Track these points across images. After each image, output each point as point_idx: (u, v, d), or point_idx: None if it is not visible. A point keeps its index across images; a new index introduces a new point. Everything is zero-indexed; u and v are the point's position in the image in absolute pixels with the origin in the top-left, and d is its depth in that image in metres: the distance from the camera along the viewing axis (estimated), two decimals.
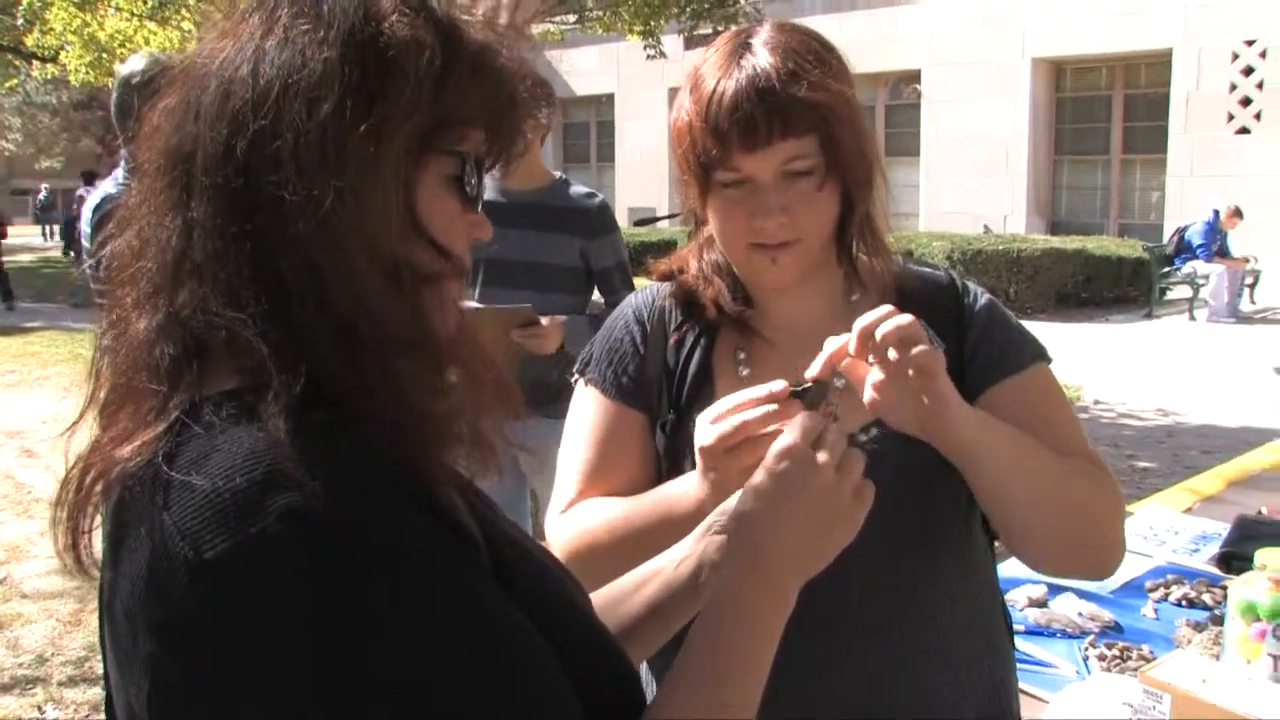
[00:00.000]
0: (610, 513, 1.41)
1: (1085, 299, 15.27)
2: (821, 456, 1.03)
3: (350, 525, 0.77)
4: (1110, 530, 1.42)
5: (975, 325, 1.48)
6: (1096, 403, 9.38)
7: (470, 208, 0.93)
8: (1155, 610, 2.48)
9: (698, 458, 1.25)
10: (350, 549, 0.77)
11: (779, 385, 1.19)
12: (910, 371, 1.21)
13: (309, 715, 0.76)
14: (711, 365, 1.50)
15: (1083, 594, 2.47)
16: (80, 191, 18.61)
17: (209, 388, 0.84)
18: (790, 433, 1.05)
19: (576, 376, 1.58)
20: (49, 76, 14.94)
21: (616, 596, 1.20)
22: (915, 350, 1.20)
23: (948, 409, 1.25)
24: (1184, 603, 2.51)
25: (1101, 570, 1.46)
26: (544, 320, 3.53)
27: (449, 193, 0.91)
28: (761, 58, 1.36)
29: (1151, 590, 2.57)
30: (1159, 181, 17.34)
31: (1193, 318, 14.46)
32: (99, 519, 0.89)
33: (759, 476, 1.04)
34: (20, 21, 12.86)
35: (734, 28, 1.50)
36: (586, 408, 1.55)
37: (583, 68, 23.02)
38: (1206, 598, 2.51)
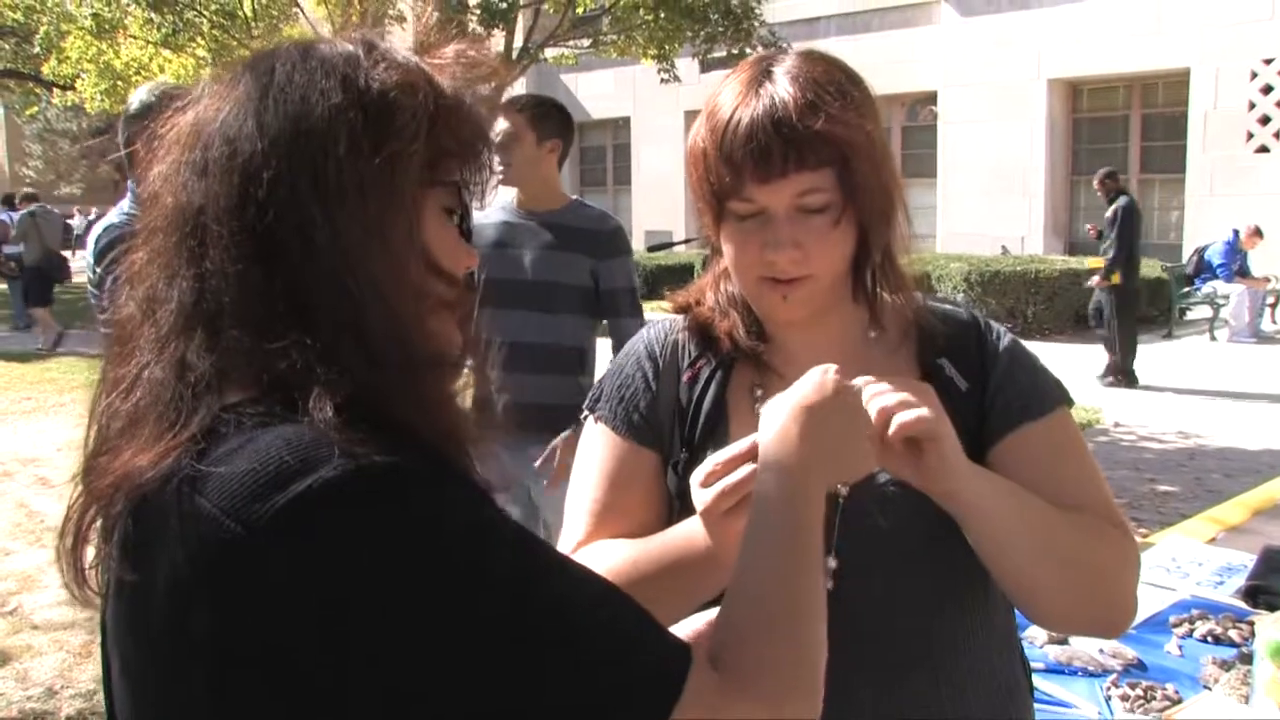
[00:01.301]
0: (616, 559, 1.36)
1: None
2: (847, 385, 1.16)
3: (408, 475, 0.80)
4: (1119, 588, 1.37)
5: (998, 366, 1.44)
6: (1116, 425, 9.28)
7: (466, 238, 1.00)
8: (1180, 647, 2.41)
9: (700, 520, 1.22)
10: (413, 495, 0.80)
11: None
12: (920, 440, 1.23)
13: (396, 665, 0.77)
14: (726, 402, 1.46)
15: None
16: (1, 216, 19.00)
17: (238, 404, 0.86)
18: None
19: (586, 413, 1.54)
20: (69, 104, 15.05)
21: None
22: (916, 424, 1.21)
23: (944, 461, 1.23)
24: (1209, 639, 2.44)
25: (1111, 628, 1.43)
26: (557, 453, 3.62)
27: (447, 223, 0.97)
28: (781, 87, 1.32)
29: (1175, 625, 2.51)
30: (1178, 201, 17.24)
31: (1213, 338, 14.33)
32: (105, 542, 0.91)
33: (802, 396, 1.14)
34: (37, 49, 12.96)
35: (757, 52, 1.45)
36: (596, 446, 1.51)
37: (598, 91, 23.09)
38: (1233, 633, 2.45)
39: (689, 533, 1.27)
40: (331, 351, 0.85)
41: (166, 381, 0.88)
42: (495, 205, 3.99)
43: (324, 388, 0.83)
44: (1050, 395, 1.44)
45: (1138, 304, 11.69)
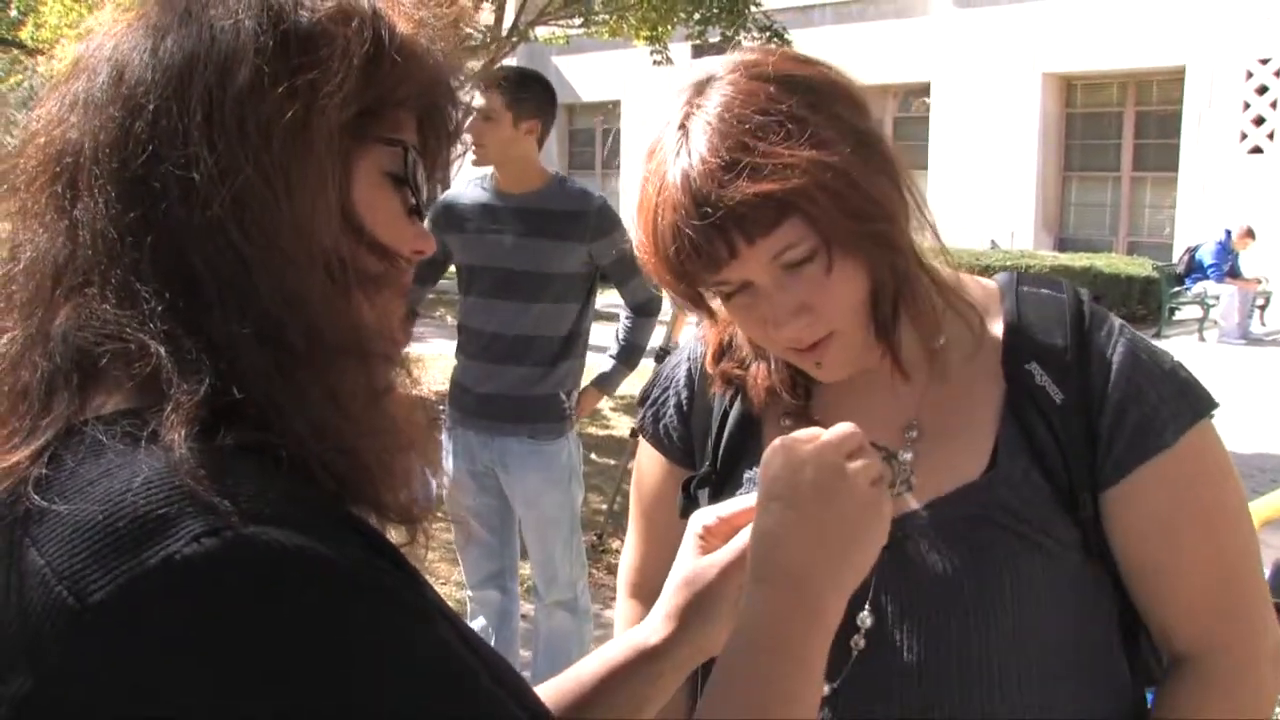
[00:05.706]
0: None
1: None
2: (853, 465, 0.92)
3: (276, 552, 0.61)
4: None
5: (1117, 380, 1.17)
6: None
7: (415, 214, 0.83)
8: None
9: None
10: (277, 582, 0.61)
11: None
12: None
13: None
14: (758, 420, 1.29)
15: None
16: None
17: (101, 407, 0.68)
18: (824, 436, 0.94)
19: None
20: (53, 73, 14.80)
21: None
22: None
23: None
24: None
25: None
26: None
27: (390, 189, 0.81)
28: (697, 145, 1.07)
29: None
30: (1170, 200, 17.15)
31: (1203, 338, 14.27)
32: None
33: (778, 487, 0.92)
34: (14, 13, 12.72)
35: (751, 37, 1.19)
36: (641, 456, 1.40)
37: (589, 74, 22.90)
38: None
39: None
40: (217, 329, 0.70)
41: (23, 364, 0.71)
42: (468, 180, 3.79)
43: (188, 387, 0.66)
44: (1186, 410, 1.17)
45: None
